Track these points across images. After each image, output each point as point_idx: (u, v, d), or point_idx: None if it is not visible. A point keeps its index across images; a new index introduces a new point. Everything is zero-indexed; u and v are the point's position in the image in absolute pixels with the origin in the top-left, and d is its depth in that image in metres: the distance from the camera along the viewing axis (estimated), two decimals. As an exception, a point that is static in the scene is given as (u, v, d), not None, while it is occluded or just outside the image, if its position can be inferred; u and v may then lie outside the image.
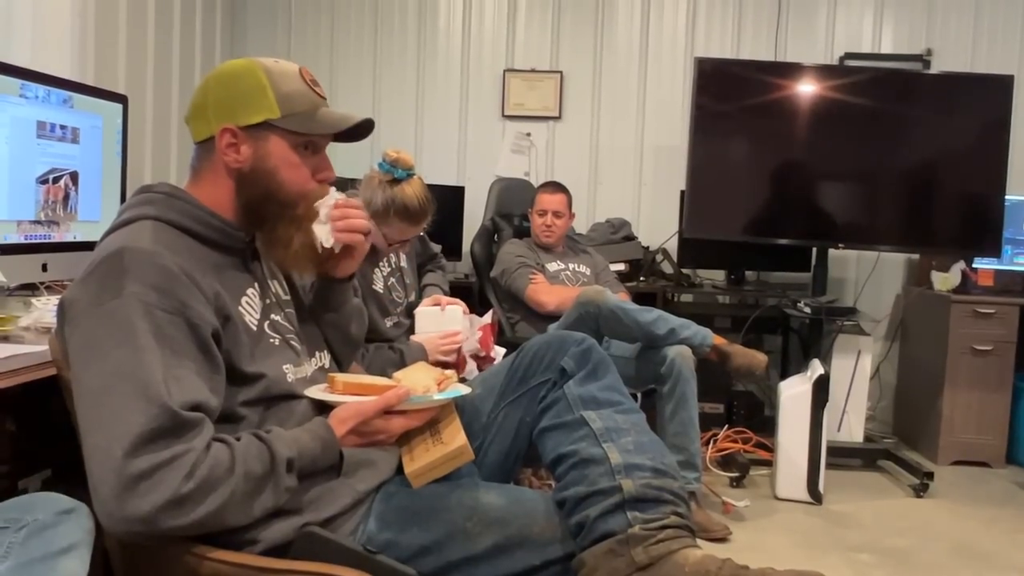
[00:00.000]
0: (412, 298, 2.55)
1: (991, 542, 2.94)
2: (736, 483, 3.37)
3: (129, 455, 1.04)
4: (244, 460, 1.13)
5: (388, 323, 2.41)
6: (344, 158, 4.69)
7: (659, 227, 4.37)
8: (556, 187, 3.52)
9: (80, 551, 1.04)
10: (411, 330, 2.47)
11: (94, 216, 2.16)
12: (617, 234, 4.19)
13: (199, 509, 1.07)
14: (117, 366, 1.09)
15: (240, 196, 1.32)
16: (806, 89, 3.74)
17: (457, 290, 3.96)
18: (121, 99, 2.29)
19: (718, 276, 4.35)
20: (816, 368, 3.27)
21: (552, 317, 3.18)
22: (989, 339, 3.77)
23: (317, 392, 1.35)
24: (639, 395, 3.07)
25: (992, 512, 3.24)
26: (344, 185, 2.78)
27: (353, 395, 1.34)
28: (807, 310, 3.64)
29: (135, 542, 1.11)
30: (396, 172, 2.22)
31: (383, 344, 2.32)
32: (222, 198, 1.32)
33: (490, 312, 2.63)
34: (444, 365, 2.24)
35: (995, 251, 3.81)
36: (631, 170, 4.52)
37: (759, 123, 3.78)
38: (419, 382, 1.40)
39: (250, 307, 1.32)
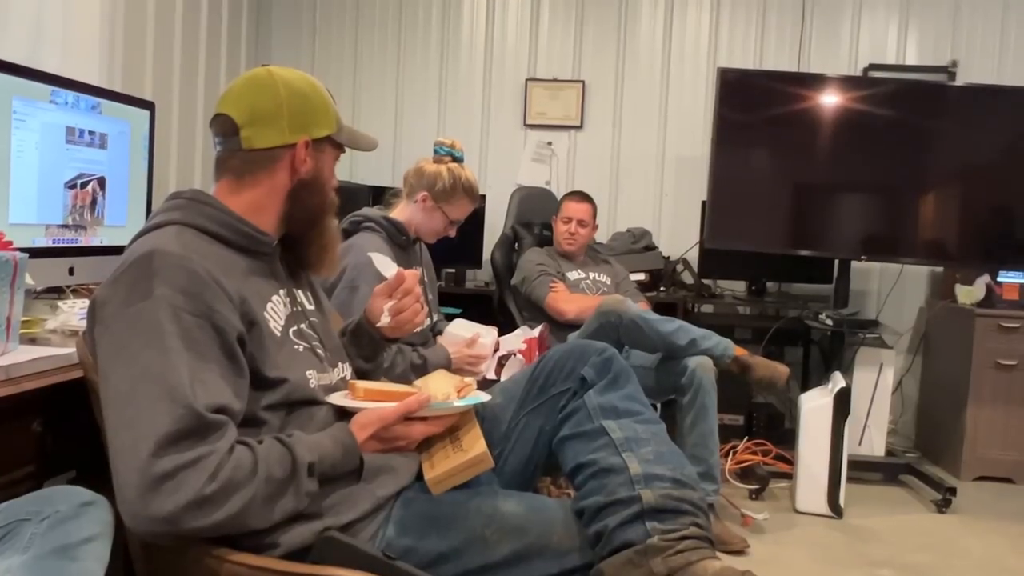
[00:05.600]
0: (433, 318, 2.53)
1: (1016, 559, 2.90)
2: (755, 495, 3.34)
3: (154, 455, 1.05)
4: (266, 463, 1.14)
5: None
6: (366, 165, 4.71)
7: (680, 237, 4.36)
8: (583, 196, 3.52)
9: (100, 542, 1.06)
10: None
11: (120, 221, 2.18)
12: (638, 244, 4.18)
13: (221, 510, 1.08)
14: (144, 368, 1.10)
15: (297, 203, 1.38)
16: (829, 100, 3.72)
17: (478, 298, 3.98)
18: (148, 106, 2.31)
19: (739, 287, 4.33)
20: (837, 381, 3.25)
21: (572, 326, 3.17)
22: (1014, 354, 3.73)
23: (339, 398, 1.37)
24: (658, 405, 3.06)
25: (1017, 529, 3.19)
26: (379, 193, 2.80)
27: (374, 401, 1.35)
28: (829, 322, 3.62)
29: (158, 542, 1.13)
30: (456, 153, 2.45)
31: (406, 347, 2.32)
32: (268, 204, 1.36)
33: (542, 326, 2.62)
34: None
35: (1020, 264, 3.77)
36: (652, 180, 4.51)
37: (782, 134, 3.76)
38: (439, 389, 1.42)
39: (275, 313, 1.33)
